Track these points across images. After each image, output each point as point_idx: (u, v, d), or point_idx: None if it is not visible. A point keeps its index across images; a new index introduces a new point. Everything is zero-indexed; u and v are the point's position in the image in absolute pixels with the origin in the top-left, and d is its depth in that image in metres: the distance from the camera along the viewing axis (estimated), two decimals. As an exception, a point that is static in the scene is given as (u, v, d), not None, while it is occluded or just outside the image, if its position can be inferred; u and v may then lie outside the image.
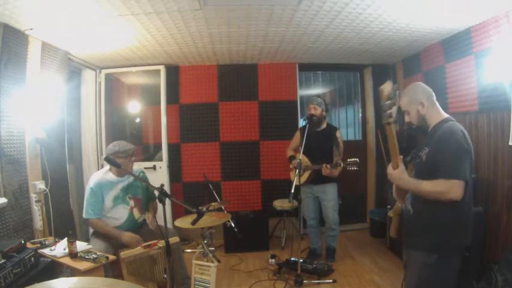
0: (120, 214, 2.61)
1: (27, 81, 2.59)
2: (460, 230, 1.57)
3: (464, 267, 2.35)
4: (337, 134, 3.32)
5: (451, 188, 1.45)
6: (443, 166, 1.49)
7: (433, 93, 1.71)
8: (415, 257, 1.63)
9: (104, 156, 3.75)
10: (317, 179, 3.29)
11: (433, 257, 1.54)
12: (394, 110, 1.44)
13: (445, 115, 1.67)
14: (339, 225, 3.44)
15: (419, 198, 1.57)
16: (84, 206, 2.56)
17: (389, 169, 1.61)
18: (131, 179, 2.67)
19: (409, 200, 1.63)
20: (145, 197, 2.78)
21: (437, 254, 1.54)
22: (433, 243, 1.56)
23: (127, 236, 2.48)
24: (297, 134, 3.55)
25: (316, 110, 3.30)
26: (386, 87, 1.44)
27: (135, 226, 2.68)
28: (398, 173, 1.55)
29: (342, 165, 2.99)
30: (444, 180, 1.46)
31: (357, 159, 2.97)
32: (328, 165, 3.05)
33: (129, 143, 2.66)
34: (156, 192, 1.77)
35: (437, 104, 1.70)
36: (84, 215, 2.55)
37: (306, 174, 3.32)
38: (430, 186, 1.49)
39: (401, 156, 1.56)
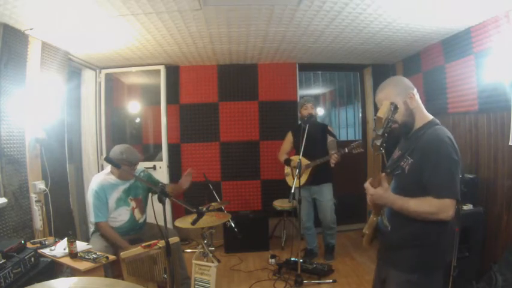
0: (122, 215, 2.61)
1: (27, 81, 2.59)
2: (443, 247, 1.44)
3: (464, 267, 2.36)
4: (329, 128, 3.42)
5: (442, 209, 1.31)
6: (433, 184, 1.33)
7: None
8: (396, 276, 1.48)
9: (105, 156, 3.77)
10: (315, 179, 3.31)
11: (415, 275, 1.41)
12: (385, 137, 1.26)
13: (430, 116, 1.49)
14: (336, 224, 3.47)
15: (398, 213, 1.40)
16: (92, 210, 2.54)
17: (370, 188, 1.39)
18: (132, 179, 2.67)
19: (385, 214, 1.46)
20: (145, 197, 2.77)
21: (420, 271, 1.41)
22: (415, 262, 1.42)
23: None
24: (289, 137, 3.57)
25: (313, 109, 3.35)
26: (385, 112, 1.23)
27: (135, 227, 2.68)
28: (382, 192, 1.35)
29: (346, 150, 3.02)
30: (435, 199, 1.31)
31: (360, 140, 3.01)
32: (334, 152, 3.07)
33: (135, 150, 2.62)
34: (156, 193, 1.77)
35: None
36: (94, 219, 2.53)
37: (305, 175, 3.32)
38: (418, 206, 1.33)
39: (384, 174, 1.38)
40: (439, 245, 1.41)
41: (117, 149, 2.57)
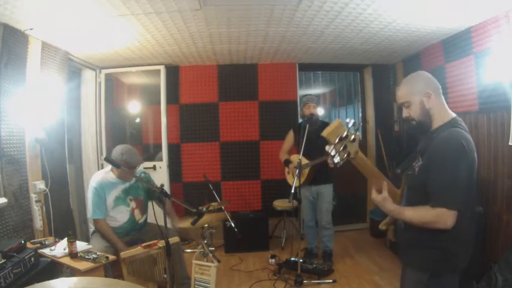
0: (121, 215, 2.60)
1: (27, 81, 2.59)
2: (453, 252, 1.38)
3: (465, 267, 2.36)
4: None
5: (438, 218, 1.26)
6: (433, 190, 1.30)
7: (440, 86, 1.42)
8: (409, 273, 1.50)
9: (105, 156, 3.77)
10: (315, 179, 3.30)
11: (426, 275, 1.40)
12: (356, 144, 1.29)
13: (453, 114, 1.39)
14: (334, 225, 3.45)
15: None
16: (90, 206, 2.54)
17: (373, 192, 1.41)
18: (132, 180, 2.67)
19: None
20: (146, 198, 2.77)
21: (429, 272, 1.40)
22: (423, 262, 1.41)
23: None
24: (290, 135, 3.53)
25: (315, 109, 3.31)
26: (334, 130, 1.27)
27: (135, 227, 2.68)
28: (380, 200, 1.37)
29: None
30: (430, 209, 1.28)
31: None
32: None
33: (137, 153, 2.59)
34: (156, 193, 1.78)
35: (444, 100, 1.43)
36: (91, 216, 2.54)
37: (305, 174, 3.32)
38: (413, 217, 1.32)
39: (385, 182, 1.38)
40: (447, 250, 1.36)
41: (118, 148, 2.56)
